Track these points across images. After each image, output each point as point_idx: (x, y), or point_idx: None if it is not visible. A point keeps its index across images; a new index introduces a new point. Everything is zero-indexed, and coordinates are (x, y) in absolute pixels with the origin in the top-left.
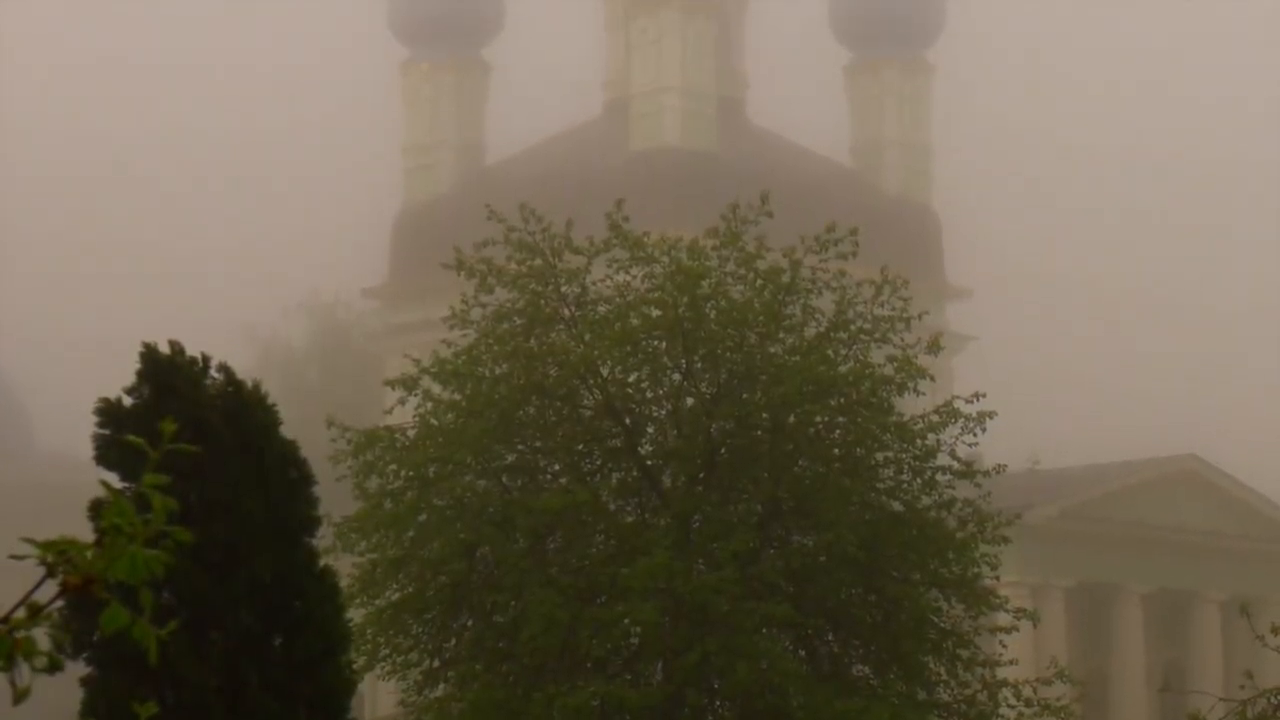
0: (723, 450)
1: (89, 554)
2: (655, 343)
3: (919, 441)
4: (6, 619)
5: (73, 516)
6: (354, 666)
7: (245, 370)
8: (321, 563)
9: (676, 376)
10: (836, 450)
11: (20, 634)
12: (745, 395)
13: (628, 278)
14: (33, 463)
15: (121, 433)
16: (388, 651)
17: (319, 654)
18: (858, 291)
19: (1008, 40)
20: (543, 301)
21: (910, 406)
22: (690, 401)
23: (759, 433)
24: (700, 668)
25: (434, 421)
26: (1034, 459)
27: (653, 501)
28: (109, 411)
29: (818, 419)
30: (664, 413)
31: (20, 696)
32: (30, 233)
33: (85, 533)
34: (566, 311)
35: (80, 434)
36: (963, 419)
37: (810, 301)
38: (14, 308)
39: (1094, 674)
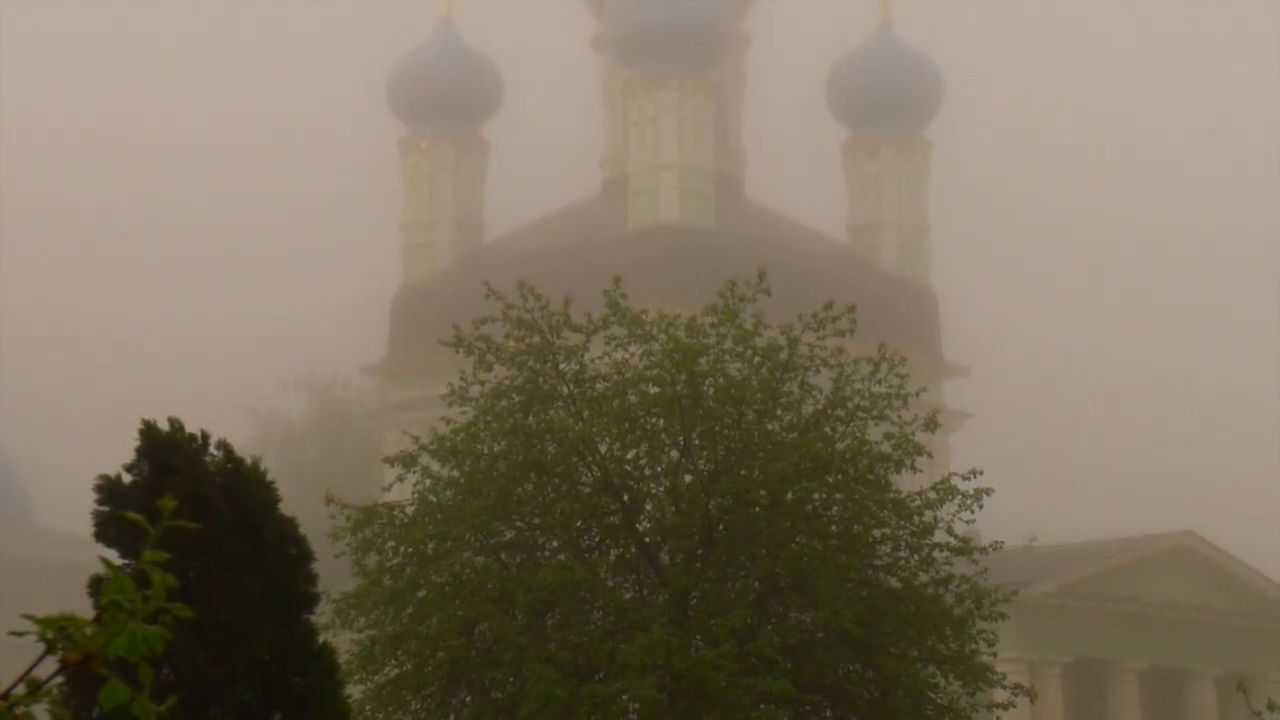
0: (720, 527)
1: (88, 630)
2: (653, 420)
3: (916, 518)
4: (6, 695)
5: (72, 593)
6: None
7: (244, 447)
8: (320, 639)
9: (674, 453)
10: (834, 527)
11: (20, 710)
12: (743, 472)
13: (626, 355)
14: (32, 539)
15: (121, 509)
16: None
17: None
18: (855, 369)
19: (1005, 118)
20: (541, 379)
21: (908, 483)
22: (688, 478)
23: (757, 509)
24: None
25: (432, 498)
26: (1031, 536)
27: (650, 578)
28: (108, 488)
29: (815, 496)
30: (662, 489)
31: None
32: (30, 310)
33: (85, 609)
34: (565, 389)
35: (80, 511)
36: (960, 496)
37: (808, 379)
38: (14, 384)
39: None
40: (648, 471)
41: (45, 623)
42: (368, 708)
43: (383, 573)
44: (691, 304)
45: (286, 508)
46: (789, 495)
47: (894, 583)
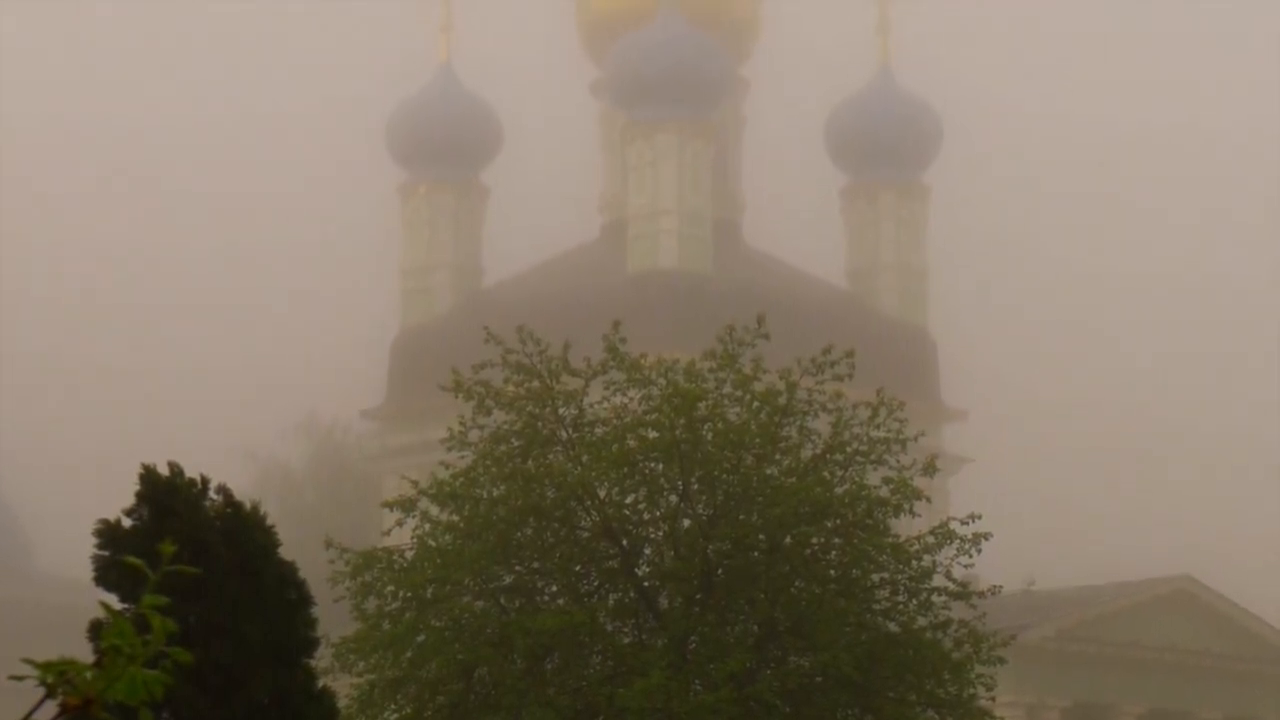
0: (719, 571)
1: (88, 675)
2: (652, 464)
3: (915, 563)
4: None
5: (72, 637)
6: None
7: (244, 491)
8: (320, 683)
9: (673, 498)
10: (832, 571)
11: None
12: (742, 516)
13: (625, 400)
14: (32, 584)
15: (121, 554)
16: None
17: None
18: (854, 413)
19: (1003, 163)
20: (540, 423)
21: (906, 528)
22: (687, 523)
23: (755, 554)
24: None
25: (432, 543)
26: (1029, 580)
27: (649, 622)
28: (108, 533)
29: (814, 540)
30: (661, 534)
31: None
32: (31, 354)
33: (85, 654)
34: (564, 433)
35: (80, 555)
36: (958, 540)
37: (806, 423)
38: (14, 428)
39: None
40: (647, 516)
41: (45, 667)
42: None
43: (382, 617)
44: (690, 349)
45: (286, 552)
46: (788, 539)
47: (892, 627)
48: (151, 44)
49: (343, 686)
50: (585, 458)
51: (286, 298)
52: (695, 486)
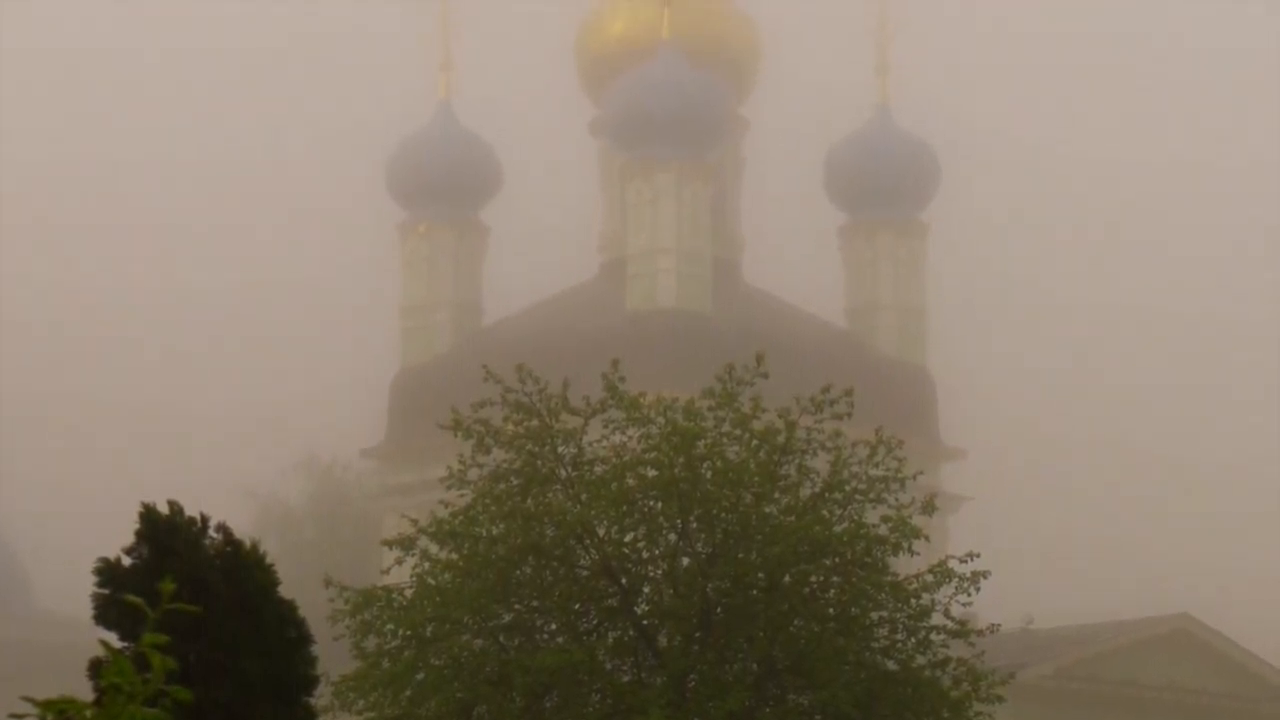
0: (718, 609)
1: (88, 713)
2: (651, 503)
3: (913, 601)
4: None
5: (72, 676)
6: None
7: (244, 530)
8: None
9: (672, 536)
10: (831, 610)
11: None
12: (741, 555)
13: (624, 438)
14: (32, 622)
15: (120, 592)
16: None
17: None
18: (853, 452)
19: (1002, 201)
20: (539, 462)
21: (905, 566)
22: (686, 561)
23: (754, 592)
24: None
25: (431, 581)
26: (1028, 618)
27: (648, 661)
28: (108, 571)
29: (813, 578)
30: (660, 572)
31: None
32: (29, 392)
33: (85, 692)
34: (563, 472)
35: (79, 593)
36: (957, 579)
37: (805, 462)
38: (13, 467)
39: None
40: (646, 554)
41: (45, 705)
42: None
43: (382, 655)
44: (689, 387)
45: (286, 590)
46: (787, 578)
47: (891, 665)
48: (148, 82)
49: None
50: (584, 496)
51: (286, 336)
52: (694, 525)
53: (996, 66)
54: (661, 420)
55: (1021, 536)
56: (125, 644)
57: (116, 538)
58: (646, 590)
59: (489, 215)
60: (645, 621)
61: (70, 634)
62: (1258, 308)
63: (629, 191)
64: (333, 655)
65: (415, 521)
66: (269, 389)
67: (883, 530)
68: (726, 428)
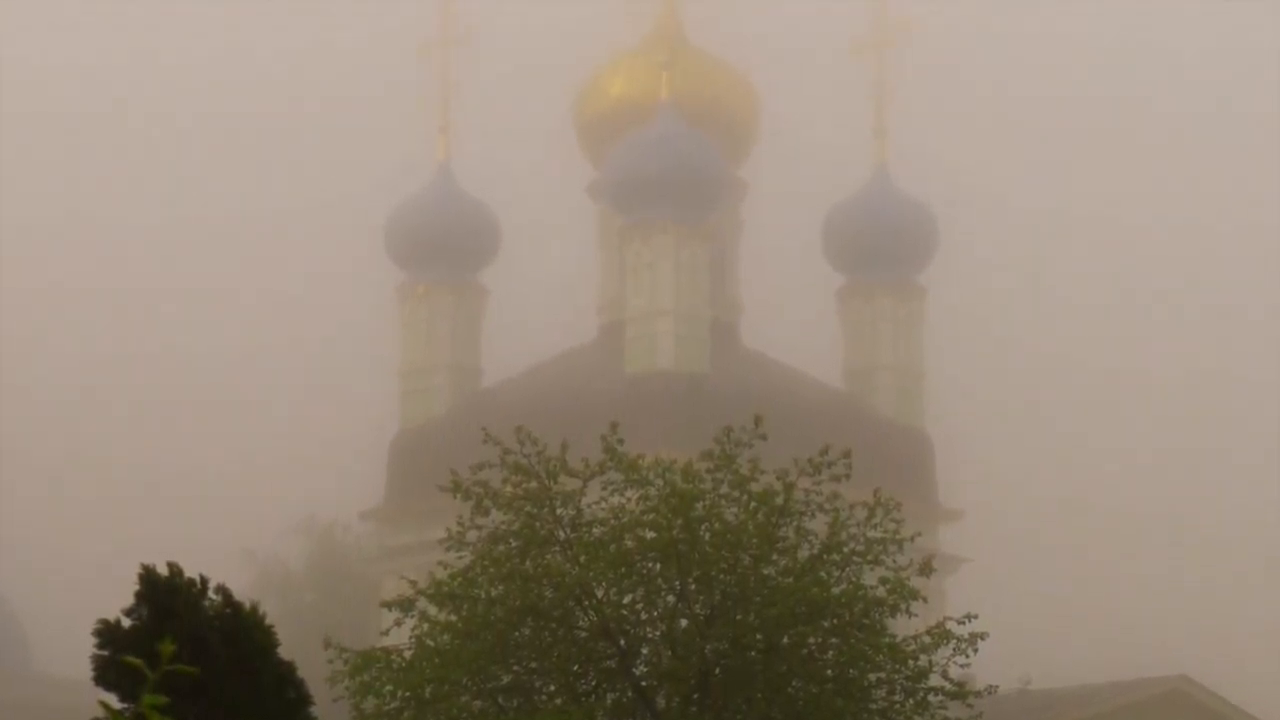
0: (717, 671)
1: None
2: (650, 564)
3: (911, 662)
4: None
5: None
6: None
7: (243, 591)
8: None
9: (671, 598)
10: (830, 671)
11: None
12: (739, 616)
13: (622, 500)
14: (31, 683)
15: (120, 653)
16: None
17: None
18: (851, 514)
19: (1000, 263)
20: (538, 524)
21: (903, 628)
22: (684, 623)
23: (753, 654)
24: None
25: (430, 642)
26: (1026, 680)
27: None
28: (107, 632)
29: (811, 640)
30: (658, 634)
31: None
32: (28, 454)
33: None
34: (562, 533)
35: (79, 655)
36: (955, 640)
37: (804, 523)
38: (13, 528)
39: None
40: (644, 616)
41: None
42: None
43: (381, 717)
44: (688, 449)
45: (285, 652)
46: (785, 639)
47: None
48: (148, 145)
49: None
50: (583, 558)
51: (285, 398)
52: (693, 586)
53: (995, 128)
54: (660, 482)
55: (1019, 598)
56: (125, 705)
57: (116, 599)
58: (645, 651)
59: (488, 277)
60: (644, 683)
61: (70, 695)
62: (1257, 370)
63: (627, 254)
64: (332, 717)
65: (414, 583)
66: (268, 450)
67: (881, 592)
68: (725, 489)
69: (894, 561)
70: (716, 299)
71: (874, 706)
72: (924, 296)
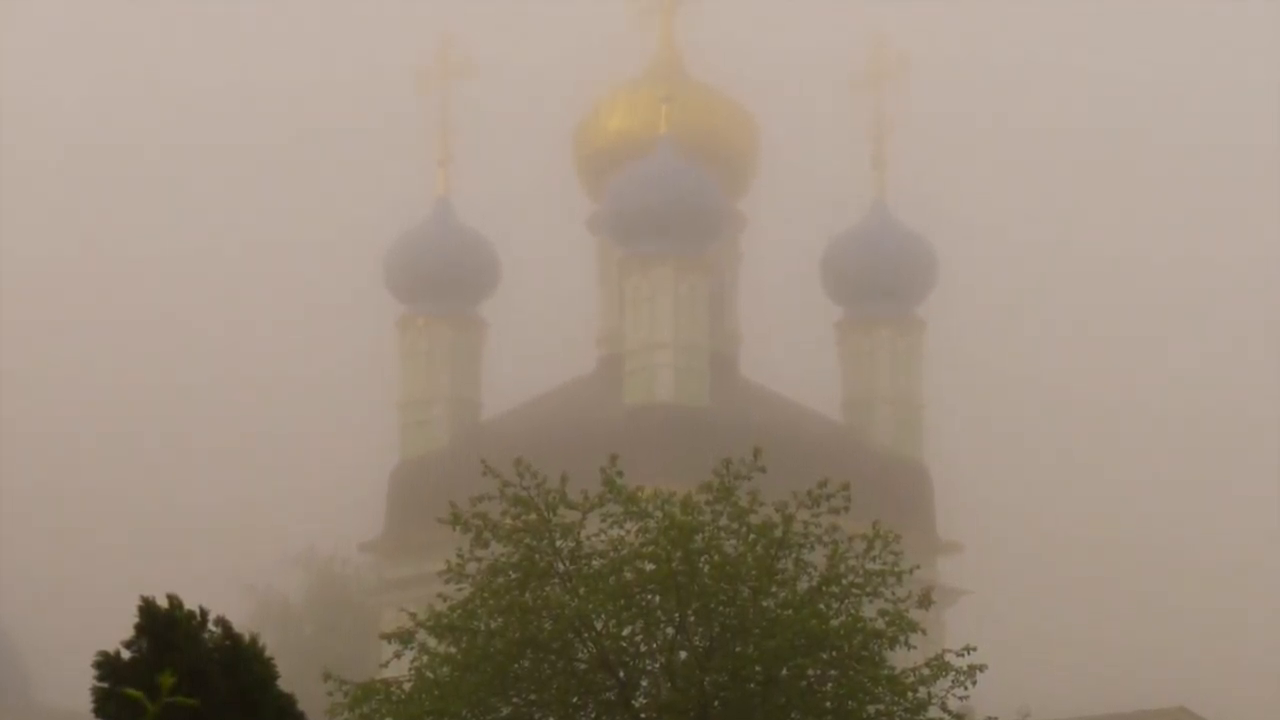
0: (716, 703)
1: None
2: (649, 596)
3: (911, 695)
4: None
5: None
6: None
7: (243, 624)
8: None
9: (670, 630)
10: (829, 703)
11: None
12: (738, 648)
13: (622, 532)
14: (31, 715)
15: (120, 685)
16: None
17: None
18: (850, 546)
19: (999, 296)
20: (537, 556)
21: (902, 660)
22: (684, 655)
23: (752, 686)
24: None
25: (430, 674)
26: (1025, 712)
27: None
28: (107, 664)
29: (810, 672)
30: (658, 666)
31: None
32: (28, 486)
33: None
34: (561, 566)
35: (79, 687)
36: (954, 672)
37: (803, 556)
38: (13, 560)
39: None
40: (643, 648)
41: None
42: None
43: None
44: (687, 481)
45: (285, 684)
46: (784, 672)
47: None
48: (147, 178)
49: None
50: (582, 590)
51: (285, 430)
52: (692, 618)
53: (993, 161)
54: (659, 514)
55: (1018, 630)
56: None
57: (116, 631)
58: (644, 684)
59: (487, 310)
60: (643, 715)
61: None
62: (1256, 404)
63: (627, 286)
64: None
65: (414, 615)
66: (267, 483)
67: (880, 624)
68: (724, 522)
69: (893, 594)
70: (715, 331)
71: None
72: (923, 329)
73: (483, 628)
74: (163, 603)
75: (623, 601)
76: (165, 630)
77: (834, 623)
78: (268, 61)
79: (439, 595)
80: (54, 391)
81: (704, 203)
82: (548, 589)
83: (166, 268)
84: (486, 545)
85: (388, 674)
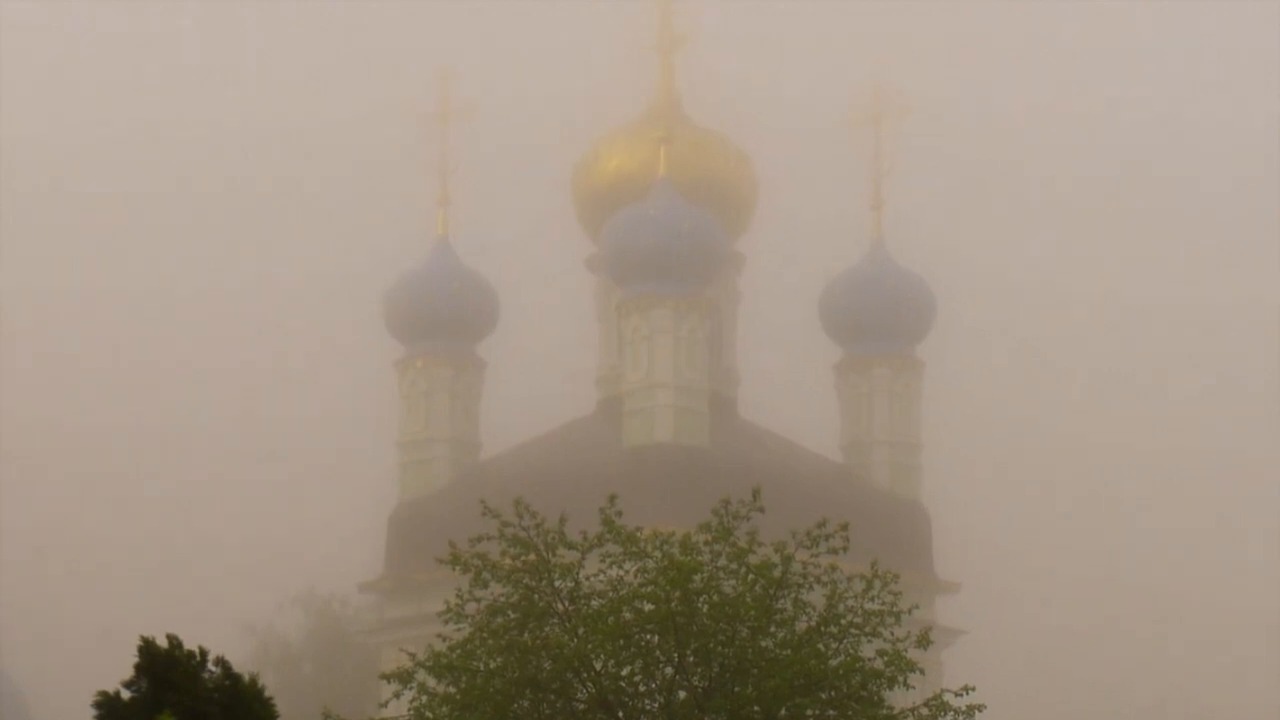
0: None
1: None
2: (648, 636)
3: None
4: None
5: None
6: None
7: (242, 664)
8: None
9: (669, 670)
10: None
11: None
12: (737, 688)
13: (621, 572)
14: None
15: None
16: None
17: None
18: (848, 586)
19: (997, 336)
20: (536, 596)
21: (900, 700)
22: (682, 695)
23: None
24: None
25: (429, 715)
26: None
27: None
28: (108, 704)
29: (809, 712)
30: (656, 706)
31: None
32: (28, 525)
33: None
34: (560, 606)
35: None
36: (952, 712)
37: (801, 596)
38: (13, 600)
39: None
40: (642, 688)
41: None
42: None
43: None
44: (686, 522)
45: None
46: (783, 712)
47: None
48: (146, 218)
49: None
50: (581, 630)
51: (284, 471)
52: (691, 658)
53: (991, 202)
54: (658, 554)
55: (1017, 670)
56: None
57: (116, 671)
58: None
59: (486, 350)
60: None
61: None
62: (1256, 445)
63: (626, 327)
64: None
65: (413, 655)
66: (267, 523)
67: (878, 664)
68: (723, 562)
69: (891, 634)
70: (714, 372)
71: None
72: (921, 369)
73: (482, 667)
74: (163, 642)
75: (622, 641)
76: (165, 670)
77: (833, 663)
78: (267, 103)
79: (438, 635)
80: (54, 430)
81: (703, 243)
82: (547, 629)
83: (167, 309)
84: (486, 585)
85: (387, 714)
